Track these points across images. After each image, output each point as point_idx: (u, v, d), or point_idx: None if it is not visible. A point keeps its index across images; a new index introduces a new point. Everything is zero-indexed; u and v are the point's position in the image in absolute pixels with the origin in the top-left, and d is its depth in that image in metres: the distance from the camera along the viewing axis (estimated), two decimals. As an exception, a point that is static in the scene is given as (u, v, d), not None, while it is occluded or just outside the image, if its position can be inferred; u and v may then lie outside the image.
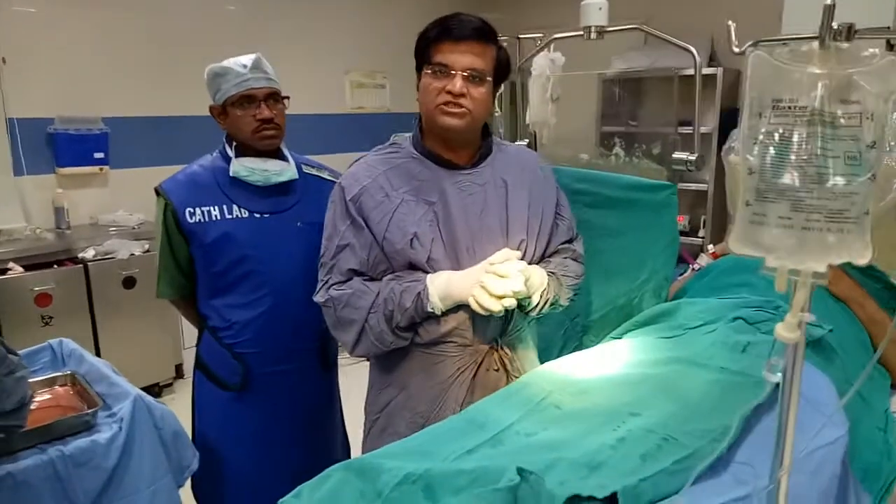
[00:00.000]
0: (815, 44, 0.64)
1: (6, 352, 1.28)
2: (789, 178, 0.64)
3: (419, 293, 1.38)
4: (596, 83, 4.96)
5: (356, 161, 1.54)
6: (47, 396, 1.70)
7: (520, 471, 0.93)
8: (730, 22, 0.90)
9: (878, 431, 1.42)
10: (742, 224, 0.70)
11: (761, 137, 0.66)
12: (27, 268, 3.21)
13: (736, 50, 0.90)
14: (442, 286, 1.38)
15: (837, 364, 1.46)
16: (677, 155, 1.66)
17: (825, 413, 1.18)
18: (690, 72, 3.82)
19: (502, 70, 1.46)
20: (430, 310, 1.38)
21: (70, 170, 3.72)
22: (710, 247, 2.13)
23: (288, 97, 1.85)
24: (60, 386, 1.76)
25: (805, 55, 0.64)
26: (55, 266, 3.32)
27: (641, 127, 4.89)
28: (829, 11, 0.62)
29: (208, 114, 1.85)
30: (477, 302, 1.34)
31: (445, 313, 1.40)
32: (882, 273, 1.80)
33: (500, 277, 1.34)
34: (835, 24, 0.65)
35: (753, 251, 0.69)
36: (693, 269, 2.07)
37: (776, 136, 0.65)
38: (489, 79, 1.41)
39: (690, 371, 1.34)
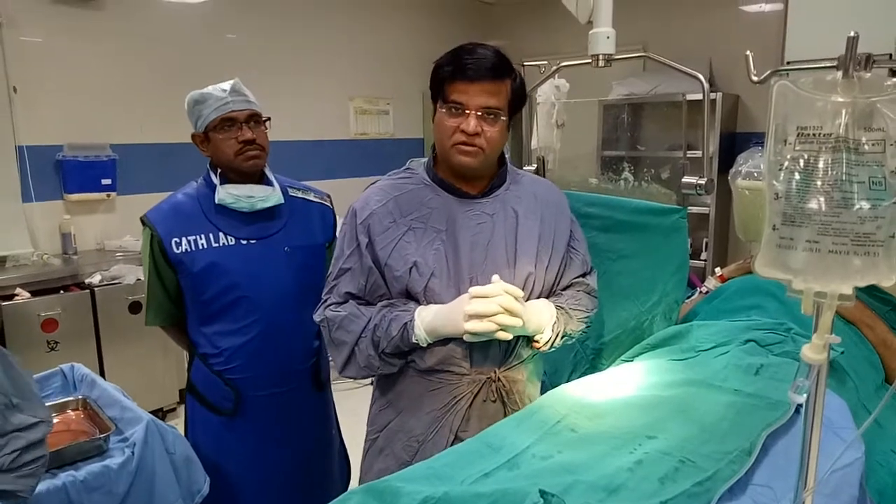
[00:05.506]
0: (839, 73, 0.66)
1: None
2: (815, 203, 0.66)
3: (406, 324, 1.38)
4: (597, 108, 5.02)
5: (371, 185, 1.55)
6: (59, 421, 1.69)
7: (542, 493, 0.93)
8: (748, 52, 0.92)
9: (892, 454, 1.42)
10: (769, 248, 0.71)
11: (787, 164, 0.68)
12: (34, 293, 3.21)
13: (754, 78, 0.92)
14: (428, 319, 1.37)
15: (850, 385, 1.47)
16: (687, 179, 1.67)
17: (841, 435, 1.18)
18: (692, 97, 3.89)
19: (518, 100, 1.44)
20: (414, 342, 1.38)
21: (78, 196, 3.74)
22: (718, 269, 2.13)
23: (269, 118, 1.85)
24: (72, 411, 1.77)
25: (828, 84, 0.66)
26: (62, 291, 3.33)
27: (643, 151, 4.93)
28: (854, 43, 0.64)
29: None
30: (469, 332, 1.33)
31: (432, 345, 1.40)
32: (890, 295, 1.81)
33: (485, 297, 1.32)
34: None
35: (781, 274, 0.70)
36: (701, 291, 2.07)
37: (801, 163, 0.67)
38: (503, 118, 1.40)
39: (705, 393, 1.34)
